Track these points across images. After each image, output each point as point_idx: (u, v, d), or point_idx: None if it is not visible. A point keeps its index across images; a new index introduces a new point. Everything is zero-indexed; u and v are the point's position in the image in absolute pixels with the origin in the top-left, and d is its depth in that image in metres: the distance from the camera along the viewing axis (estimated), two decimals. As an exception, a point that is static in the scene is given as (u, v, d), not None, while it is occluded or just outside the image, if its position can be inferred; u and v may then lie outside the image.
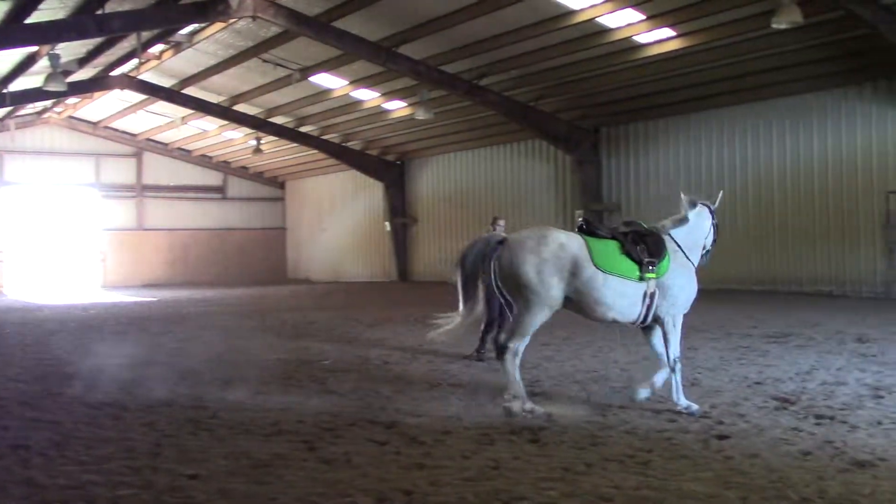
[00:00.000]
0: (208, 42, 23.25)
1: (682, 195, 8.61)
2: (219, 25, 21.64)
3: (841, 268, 20.19)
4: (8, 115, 32.56)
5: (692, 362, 10.76)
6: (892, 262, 19.35)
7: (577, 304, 7.84)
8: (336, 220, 38.61)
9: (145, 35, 21.83)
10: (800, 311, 16.65)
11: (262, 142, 32.56)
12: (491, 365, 10.95)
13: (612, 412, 7.90)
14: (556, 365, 10.87)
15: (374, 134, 31.62)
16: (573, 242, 7.76)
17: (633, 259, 7.80)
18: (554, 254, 7.64)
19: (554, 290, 7.66)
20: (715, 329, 14.16)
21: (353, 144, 33.14)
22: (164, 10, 18.91)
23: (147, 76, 26.95)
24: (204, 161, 39.20)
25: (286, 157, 36.94)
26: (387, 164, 34.21)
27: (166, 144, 37.78)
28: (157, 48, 24.17)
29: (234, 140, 34.74)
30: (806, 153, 20.96)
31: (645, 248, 7.88)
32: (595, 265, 7.67)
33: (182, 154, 38.48)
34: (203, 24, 21.87)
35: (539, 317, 7.78)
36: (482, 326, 11.41)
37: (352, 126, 30.67)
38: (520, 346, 7.81)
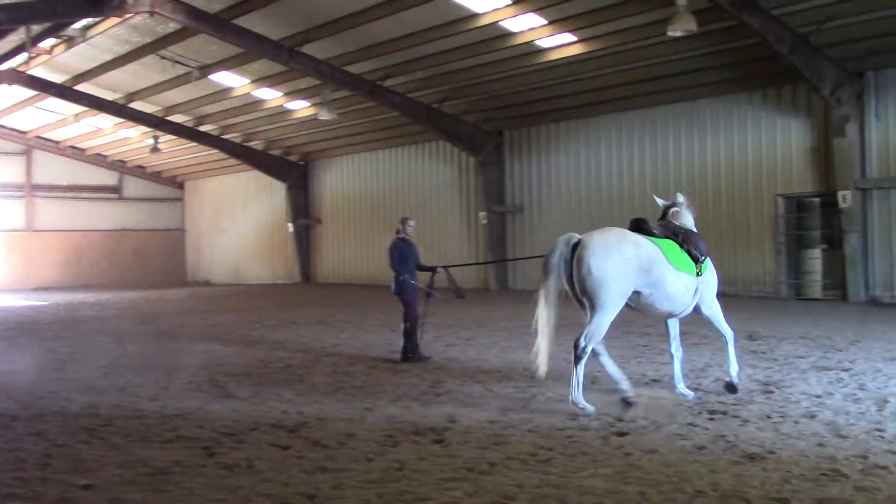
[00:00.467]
0: (103, 37, 22.50)
1: (657, 198, 9.54)
2: (114, 20, 20.94)
3: (733, 268, 20.92)
4: None
5: (593, 361, 10.95)
6: (781, 263, 20.19)
7: (645, 299, 8.18)
8: (237, 222, 37.94)
9: (35, 28, 20.98)
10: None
11: (159, 140, 31.66)
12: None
13: (515, 411, 8.00)
14: (460, 365, 10.93)
15: (276, 134, 31.19)
16: (646, 241, 8.14)
17: (691, 256, 8.39)
18: (635, 253, 7.92)
19: (630, 288, 7.93)
20: (613, 329, 14.46)
21: (255, 144, 32.62)
22: (55, 4, 18.17)
23: (37, 71, 25.87)
24: (98, 160, 37.90)
25: (185, 157, 36.08)
26: (290, 165, 33.79)
27: (58, 142, 36.36)
28: (48, 42, 23.25)
29: (130, 138, 33.70)
30: (700, 157, 21.68)
31: (695, 246, 8.49)
32: (670, 263, 8.11)
33: (75, 152, 37.10)
34: (97, 19, 21.13)
35: (614, 315, 8.03)
36: (404, 327, 11.49)
37: (253, 125, 30.18)
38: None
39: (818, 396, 8.37)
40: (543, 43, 19.50)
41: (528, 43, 19.39)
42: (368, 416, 7.94)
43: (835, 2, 15.68)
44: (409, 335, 11.47)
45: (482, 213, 26.10)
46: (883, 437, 6.75)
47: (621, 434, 7.03)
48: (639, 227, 8.44)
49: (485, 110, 25.14)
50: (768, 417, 7.51)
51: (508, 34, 19.21)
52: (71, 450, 6.85)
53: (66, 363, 11.92)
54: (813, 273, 20.03)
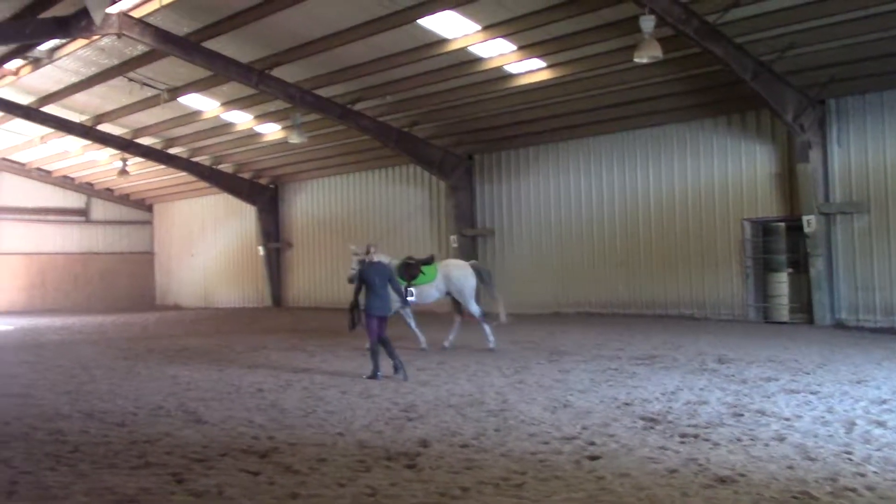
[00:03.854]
0: (70, 59, 22.34)
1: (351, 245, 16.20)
2: (81, 42, 20.81)
3: (701, 291, 21.15)
4: None
5: (564, 384, 11.02)
6: (748, 286, 20.41)
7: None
8: (207, 245, 37.66)
9: (1, 49, 20.79)
10: (664, 334, 17.33)
11: (128, 163, 31.41)
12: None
13: (487, 436, 7.99)
14: (432, 389, 10.91)
15: (246, 157, 31.08)
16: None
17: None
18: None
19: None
20: (585, 352, 14.57)
21: (225, 167, 32.46)
22: (22, 25, 18.01)
23: (3, 92, 25.59)
24: (65, 182, 37.51)
25: (154, 180, 35.81)
26: (260, 188, 33.66)
27: (24, 164, 35.93)
28: (14, 63, 23.04)
29: (98, 161, 33.40)
30: (668, 182, 21.93)
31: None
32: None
33: (41, 174, 36.68)
34: (64, 41, 20.99)
35: None
36: (375, 349, 11.95)
37: (223, 148, 30.05)
38: None
39: (787, 419, 8.45)
40: (512, 68, 19.68)
41: (497, 68, 19.56)
42: (340, 441, 7.90)
43: (795, 31, 16.00)
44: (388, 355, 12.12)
45: (453, 237, 26.15)
46: (851, 460, 6.83)
47: (594, 458, 7.05)
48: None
49: (455, 134, 25.26)
50: (739, 440, 7.57)
51: (478, 59, 19.36)
52: (37, 477, 6.74)
53: (32, 389, 11.73)
54: (780, 296, 20.28)
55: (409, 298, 14.71)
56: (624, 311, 22.52)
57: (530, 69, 19.60)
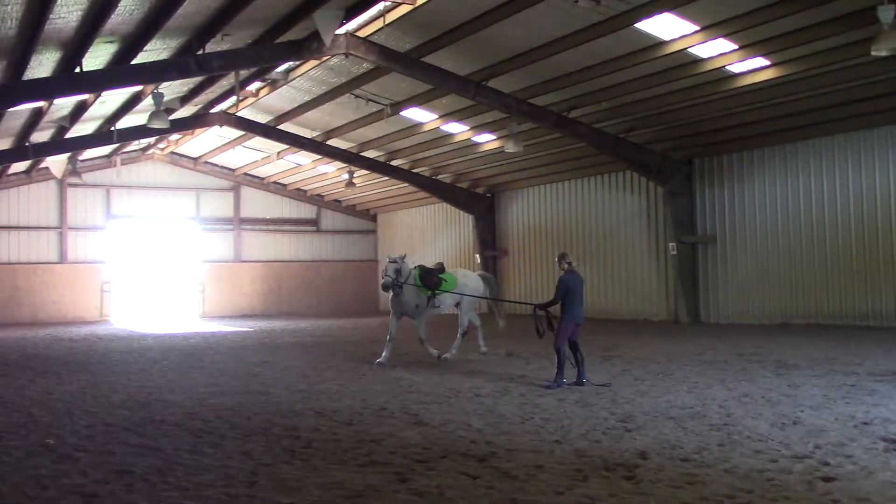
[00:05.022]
0: (302, 79, 23.88)
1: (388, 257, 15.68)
2: (312, 63, 22.22)
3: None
4: (115, 152, 34.05)
5: (794, 399, 10.42)
6: None
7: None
8: (427, 253, 38.86)
9: (243, 73, 22.60)
10: (907, 348, 15.94)
11: (354, 175, 33.14)
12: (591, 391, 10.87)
13: (710, 451, 7.71)
14: (651, 400, 10.67)
15: (463, 167, 31.84)
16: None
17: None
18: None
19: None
20: (816, 366, 13.69)
21: (444, 177, 33.43)
22: (261, 49, 19.50)
23: (244, 113, 27.81)
24: (298, 195, 40.14)
25: (378, 191, 37.50)
26: (477, 197, 34.35)
27: (262, 178, 38.83)
28: (254, 86, 24.94)
29: (327, 174, 35.47)
30: (912, 183, 20.18)
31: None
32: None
33: (277, 188, 39.49)
34: (297, 62, 22.50)
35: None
36: (563, 356, 11.88)
37: (442, 159, 30.96)
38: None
39: None
40: (734, 68, 18.89)
41: (718, 69, 18.85)
42: (557, 449, 7.90)
43: None
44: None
45: (671, 245, 25.44)
46: None
47: (828, 479, 6.61)
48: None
49: (673, 139, 24.58)
50: None
51: (697, 61, 18.75)
52: (275, 469, 7.26)
53: (270, 387, 12.63)
54: None
55: (434, 306, 15.61)
56: (861, 323, 20.94)
57: (753, 68, 18.74)
